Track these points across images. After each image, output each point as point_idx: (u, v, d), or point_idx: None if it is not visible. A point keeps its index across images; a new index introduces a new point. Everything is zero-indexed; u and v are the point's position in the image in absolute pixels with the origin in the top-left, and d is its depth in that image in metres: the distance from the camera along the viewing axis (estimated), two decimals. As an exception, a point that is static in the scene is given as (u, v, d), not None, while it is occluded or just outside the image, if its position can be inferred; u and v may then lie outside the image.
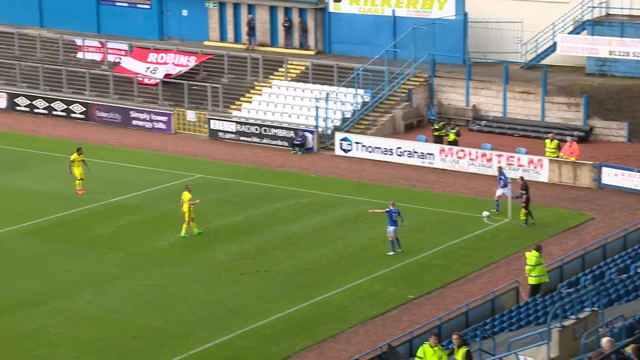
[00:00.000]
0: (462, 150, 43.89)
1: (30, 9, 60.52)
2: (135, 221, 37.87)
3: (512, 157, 42.70)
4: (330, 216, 38.52)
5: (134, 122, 51.63)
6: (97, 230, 36.93)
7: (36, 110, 53.80)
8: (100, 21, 59.16)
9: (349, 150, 46.47)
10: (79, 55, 56.88)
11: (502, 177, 38.23)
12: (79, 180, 40.38)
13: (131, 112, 51.78)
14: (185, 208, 35.95)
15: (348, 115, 48.77)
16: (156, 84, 53.26)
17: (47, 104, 53.65)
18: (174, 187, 40.98)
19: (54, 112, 53.36)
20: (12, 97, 54.47)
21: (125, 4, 58.42)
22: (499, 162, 42.49)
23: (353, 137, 46.57)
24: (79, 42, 57.03)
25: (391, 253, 34.50)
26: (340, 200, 40.26)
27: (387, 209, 34.58)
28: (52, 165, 43.26)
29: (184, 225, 36.03)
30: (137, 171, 44.18)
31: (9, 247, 35.26)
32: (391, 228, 34.45)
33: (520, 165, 42.35)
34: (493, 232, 36.64)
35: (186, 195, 36.14)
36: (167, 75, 53.35)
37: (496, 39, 51.48)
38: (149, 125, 51.31)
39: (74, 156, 40.52)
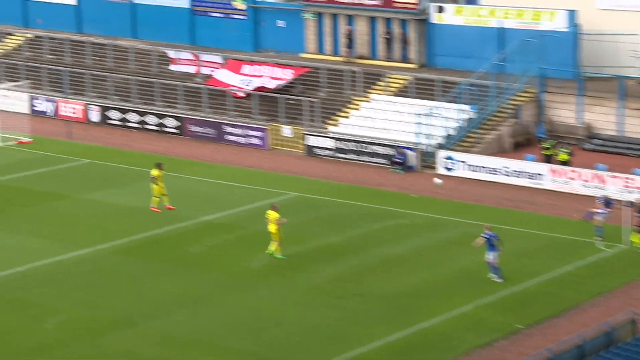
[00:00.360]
0: (574, 171, 43.22)
1: (123, 19, 61.66)
2: (230, 240, 38.19)
3: (629, 179, 41.85)
4: (432, 238, 38.29)
5: (228, 137, 52.15)
6: (191, 249, 37.36)
7: (128, 124, 54.77)
8: (194, 32, 59.95)
9: (452, 169, 46.16)
10: (172, 67, 57.73)
11: (607, 204, 37.44)
12: (163, 196, 40.86)
13: (225, 127, 52.33)
14: (272, 228, 36.08)
15: (451, 132, 48.46)
16: (249, 96, 53.74)
17: (139, 118, 54.57)
18: (269, 205, 41.13)
19: (147, 126, 54.25)
20: (104, 110, 55.55)
21: (220, 15, 59.12)
22: (613, 183, 41.74)
23: (457, 156, 46.27)
24: (171, 54, 57.90)
25: (497, 279, 34.09)
26: (442, 222, 40.00)
27: (485, 235, 34.19)
28: (145, 182, 43.77)
29: (277, 247, 36.16)
30: (230, 188, 44.59)
31: (103, 265, 35.86)
32: (493, 253, 34.07)
33: (637, 188, 41.48)
34: (608, 259, 35.94)
35: (273, 215, 36.24)
36: (262, 89, 53.78)
37: (611, 53, 50.61)
38: (243, 140, 51.78)
39: (156, 172, 41.06)
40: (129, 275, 34.96)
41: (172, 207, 40.98)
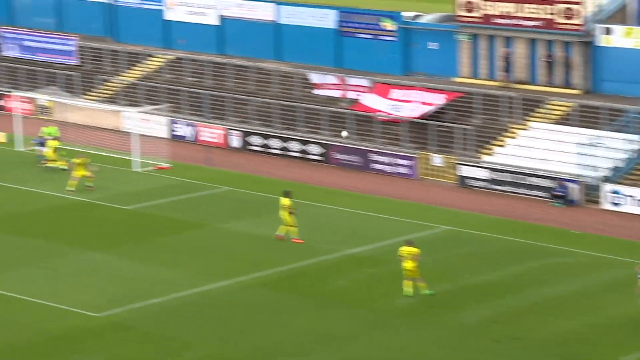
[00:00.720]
0: None
1: (266, 41, 62.40)
2: (375, 275, 38.01)
3: None
4: (596, 279, 37.37)
5: (374, 166, 52.10)
6: (334, 283, 37.30)
7: (270, 150, 55.29)
8: (340, 54, 60.21)
9: (620, 205, 45.01)
10: (316, 91, 58.09)
11: None
12: (293, 227, 40.96)
13: (371, 155, 52.30)
14: (410, 265, 35.73)
15: (618, 164, 47.30)
16: (397, 122, 53.62)
17: (282, 144, 55.04)
18: (417, 238, 40.79)
19: (289, 153, 54.66)
20: (245, 135, 56.24)
21: (368, 36, 59.22)
22: None
23: (624, 190, 45.14)
24: (315, 79, 58.17)
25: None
26: (608, 262, 39.01)
27: None
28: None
29: (420, 284, 35.81)
30: (376, 220, 44.45)
31: (241, 298, 36.05)
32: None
33: None
34: None
35: (410, 250, 35.86)
36: (411, 115, 53.58)
37: None
38: (390, 169, 51.66)
39: (288, 201, 41.18)
40: (268, 309, 35.07)
41: (282, 235, 41.13)
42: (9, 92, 62.42)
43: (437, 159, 50.69)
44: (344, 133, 36.54)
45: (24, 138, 54.97)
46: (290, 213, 41.20)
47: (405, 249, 36.06)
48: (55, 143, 52.06)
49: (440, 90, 54.42)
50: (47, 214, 45.21)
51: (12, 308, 34.99)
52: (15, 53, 67.85)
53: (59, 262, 39.36)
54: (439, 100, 53.82)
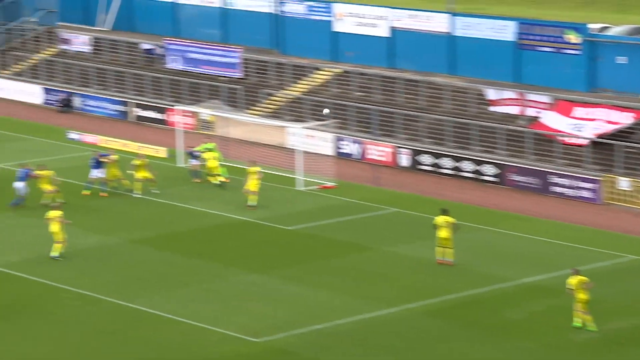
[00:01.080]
0: None
1: (439, 54, 62.07)
2: (553, 307, 37.15)
3: None
4: None
5: (554, 189, 51.18)
6: (507, 314, 36.66)
7: (441, 170, 54.92)
8: (519, 68, 59.43)
9: None
10: (492, 108, 57.44)
11: None
12: (449, 248, 40.54)
13: (551, 177, 51.39)
14: (583, 295, 34.94)
15: None
16: (581, 145, 52.52)
17: (454, 164, 54.59)
18: (600, 268, 39.94)
19: (461, 173, 54.17)
20: (415, 154, 56.01)
21: (551, 50, 58.23)
22: None
23: None
24: (491, 95, 57.55)
25: None
26: None
27: None
28: (459, 235, 43.61)
29: (586, 316, 35.03)
30: (555, 247, 43.62)
31: (411, 327, 35.68)
32: None
33: None
34: None
35: (581, 279, 35.00)
36: (595, 135, 52.44)
37: None
38: (571, 192, 50.68)
39: (448, 219, 40.81)
40: (437, 340, 34.64)
41: (450, 261, 40.86)
42: (172, 105, 63.80)
43: (624, 183, 49.51)
44: (326, 110, 35.91)
45: (185, 154, 56.00)
46: (455, 230, 40.78)
47: (576, 279, 35.19)
48: (215, 154, 52.78)
49: (629, 108, 53.09)
50: (207, 233, 45.91)
51: (168, 330, 35.54)
52: (178, 65, 69.44)
53: (218, 283, 39.86)
54: (626, 119, 52.54)
